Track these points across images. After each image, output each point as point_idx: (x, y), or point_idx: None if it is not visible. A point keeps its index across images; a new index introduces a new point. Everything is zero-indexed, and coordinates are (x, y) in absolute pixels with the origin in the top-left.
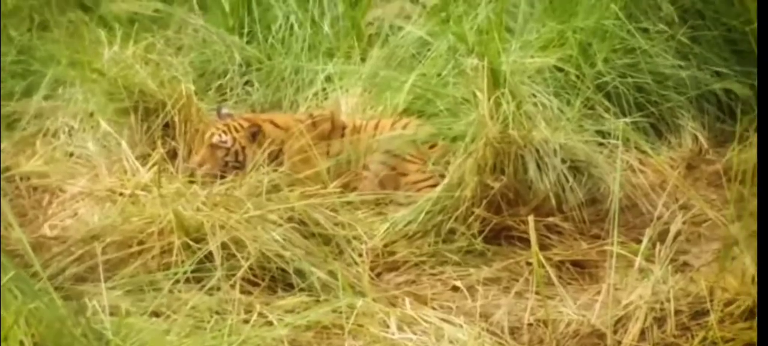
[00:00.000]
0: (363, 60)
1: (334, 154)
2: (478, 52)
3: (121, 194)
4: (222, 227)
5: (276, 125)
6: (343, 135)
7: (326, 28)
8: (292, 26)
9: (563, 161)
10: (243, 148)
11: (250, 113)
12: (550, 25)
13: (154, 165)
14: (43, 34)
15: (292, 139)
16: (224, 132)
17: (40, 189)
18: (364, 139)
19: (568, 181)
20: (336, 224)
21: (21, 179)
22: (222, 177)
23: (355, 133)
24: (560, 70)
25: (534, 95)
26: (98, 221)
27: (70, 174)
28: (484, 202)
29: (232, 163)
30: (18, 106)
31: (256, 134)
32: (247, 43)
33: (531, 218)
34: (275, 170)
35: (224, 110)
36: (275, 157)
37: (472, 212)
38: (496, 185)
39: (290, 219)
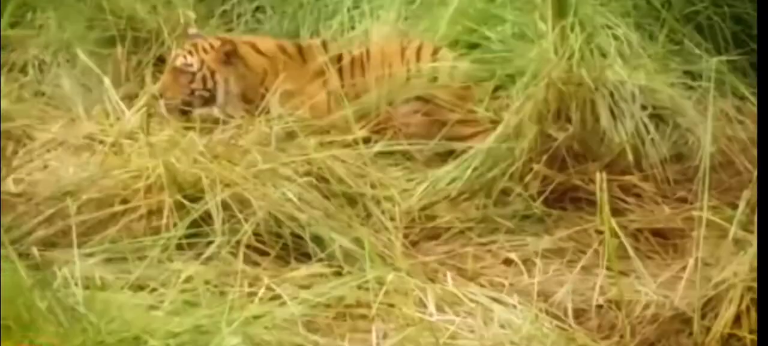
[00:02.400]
0: None
1: (335, 94)
2: None
3: (101, 142)
4: (223, 183)
5: (258, 50)
6: (339, 69)
7: None
8: None
9: (643, 108)
10: (212, 73)
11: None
12: None
13: (142, 107)
14: None
15: (278, 71)
16: (190, 53)
17: (3, 135)
18: (373, 76)
19: (648, 132)
20: (363, 181)
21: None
22: (185, 110)
23: (354, 66)
24: None
25: (608, 26)
26: (73, 175)
27: (40, 118)
28: (546, 156)
29: (200, 92)
30: None
31: (230, 55)
32: None
33: (602, 177)
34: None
35: (192, 30)
36: (254, 92)
37: (531, 169)
38: (561, 136)
39: (307, 174)
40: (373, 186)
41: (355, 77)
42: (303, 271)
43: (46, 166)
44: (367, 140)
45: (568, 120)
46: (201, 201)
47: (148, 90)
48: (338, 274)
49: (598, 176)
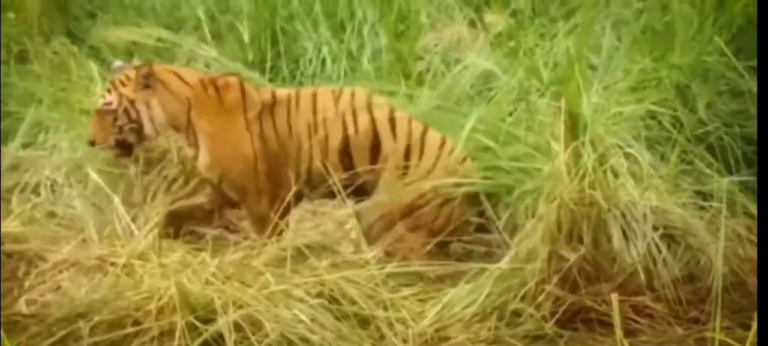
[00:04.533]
0: (411, 101)
1: (273, 138)
2: (554, 92)
3: (113, 264)
4: (236, 304)
5: (182, 79)
6: (272, 112)
7: (366, 63)
8: (324, 60)
9: (655, 228)
10: (132, 102)
11: None
12: (641, 62)
13: (154, 227)
14: (21, 68)
15: (201, 112)
16: (108, 91)
17: (15, 256)
18: (303, 121)
19: (660, 252)
20: (375, 302)
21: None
22: (124, 149)
23: (279, 107)
24: (653, 117)
25: (620, 146)
26: (85, 296)
27: (52, 239)
28: (557, 277)
29: (127, 126)
30: None
31: (148, 77)
32: (270, 80)
33: (615, 297)
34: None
35: (117, 63)
36: (180, 120)
37: (543, 289)
38: (573, 257)
39: (319, 295)
40: (385, 308)
41: (280, 121)
42: None
43: (58, 288)
44: (379, 260)
45: (580, 240)
46: (213, 322)
47: (160, 211)
48: None
49: (613, 296)
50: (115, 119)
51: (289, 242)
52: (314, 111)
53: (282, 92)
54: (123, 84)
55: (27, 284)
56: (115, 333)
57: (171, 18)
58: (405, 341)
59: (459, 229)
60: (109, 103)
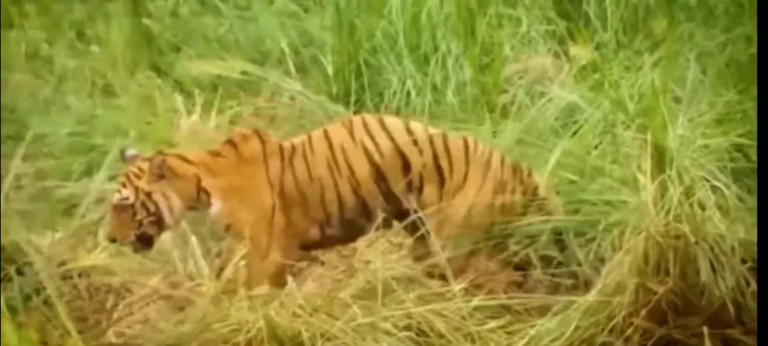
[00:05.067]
0: (495, 134)
1: (293, 188)
2: (639, 125)
3: (200, 296)
4: (324, 337)
5: (185, 159)
6: (291, 162)
7: (450, 95)
8: (408, 93)
9: (743, 261)
10: (149, 194)
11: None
12: (726, 95)
13: (240, 259)
14: (107, 101)
15: (214, 173)
16: (123, 185)
17: (103, 289)
18: (323, 161)
19: (749, 285)
20: (462, 335)
21: (80, 275)
22: (145, 243)
23: (296, 155)
24: (738, 149)
25: (706, 179)
26: (173, 328)
27: (139, 271)
28: (646, 310)
29: (147, 219)
30: (76, 189)
31: (161, 167)
32: (355, 112)
33: (705, 331)
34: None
35: (129, 153)
36: (194, 200)
37: (631, 322)
38: (661, 290)
39: (407, 328)
40: (472, 340)
41: (299, 169)
42: None
43: (146, 320)
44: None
45: (668, 273)
46: None
47: (246, 244)
48: None
49: (703, 330)
50: (134, 214)
51: (378, 274)
52: (331, 148)
53: (296, 140)
54: (137, 177)
55: (115, 315)
56: None
57: (255, 51)
58: None
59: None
60: (126, 199)
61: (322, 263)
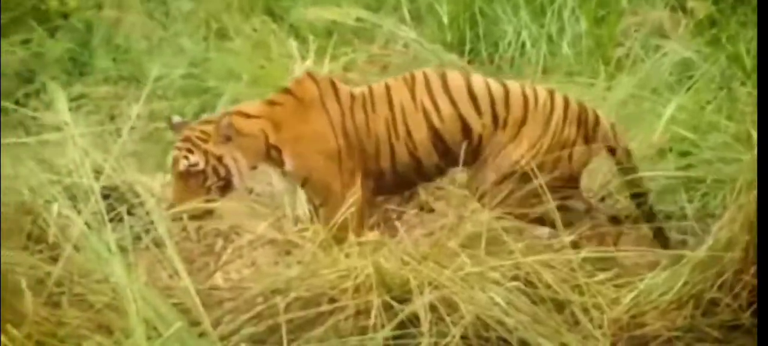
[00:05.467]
0: (609, 87)
1: (354, 135)
2: (755, 80)
3: (310, 242)
4: (431, 285)
5: (247, 115)
6: (351, 109)
7: (565, 47)
8: (523, 44)
9: None
10: (220, 158)
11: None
12: None
13: (350, 206)
14: (221, 44)
15: (280, 125)
16: (189, 151)
17: (211, 232)
18: (381, 117)
19: None
20: (570, 287)
21: (189, 218)
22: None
23: (361, 106)
24: None
25: None
26: (282, 273)
27: (248, 215)
28: (755, 267)
29: (216, 184)
30: None
31: (229, 128)
32: (469, 62)
33: None
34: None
35: (176, 120)
36: (263, 156)
37: (740, 279)
38: None
39: (515, 278)
40: (581, 292)
41: (359, 119)
42: None
43: (254, 263)
44: (575, 245)
45: None
46: (409, 303)
47: (357, 190)
48: None
49: None
50: (205, 179)
51: (485, 223)
52: (391, 107)
53: (357, 91)
54: (203, 140)
55: (223, 259)
56: (311, 310)
57: None
58: (600, 326)
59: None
60: (195, 164)
61: (432, 211)
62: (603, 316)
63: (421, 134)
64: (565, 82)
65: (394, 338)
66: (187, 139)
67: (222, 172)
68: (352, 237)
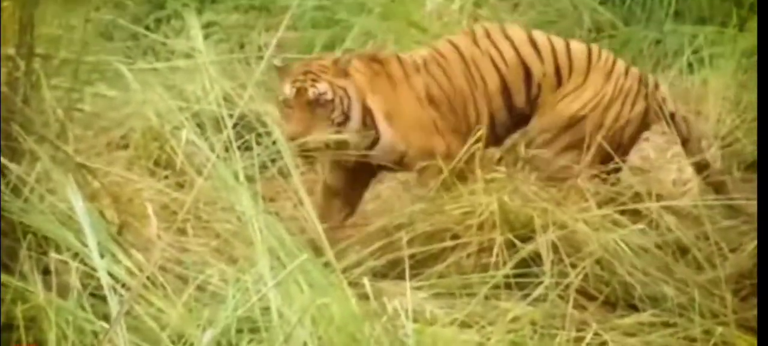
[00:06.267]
0: (741, 29)
1: (441, 97)
2: None
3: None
4: (555, 224)
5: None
6: (429, 73)
7: None
8: None
9: None
10: (344, 89)
11: None
12: None
13: (476, 141)
14: None
15: (374, 83)
16: (314, 80)
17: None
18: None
19: None
20: (693, 232)
21: (315, 148)
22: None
23: (436, 65)
24: None
25: None
26: (406, 207)
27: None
28: None
29: (339, 119)
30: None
31: (348, 62)
32: (601, 2)
33: None
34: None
35: (278, 61)
36: (361, 119)
37: None
38: None
39: (639, 222)
40: (706, 237)
41: (440, 79)
42: (631, 319)
43: (378, 197)
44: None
45: None
46: (532, 241)
47: (482, 127)
48: (666, 325)
49: None
50: (332, 110)
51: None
52: (463, 59)
53: (423, 53)
54: (324, 72)
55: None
56: (434, 245)
57: None
58: (722, 274)
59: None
60: (324, 93)
61: None
62: (725, 263)
63: (493, 84)
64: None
65: (515, 276)
66: (308, 72)
67: (346, 104)
68: (478, 173)
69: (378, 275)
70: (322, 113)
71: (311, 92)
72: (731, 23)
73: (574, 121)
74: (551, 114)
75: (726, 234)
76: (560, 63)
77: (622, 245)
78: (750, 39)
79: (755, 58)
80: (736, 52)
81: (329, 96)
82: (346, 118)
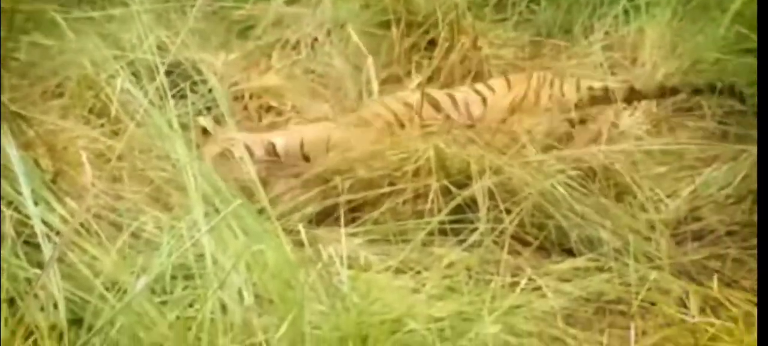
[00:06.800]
0: None
1: None
2: None
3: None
4: (491, 170)
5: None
6: None
7: None
8: None
9: None
10: None
11: None
12: None
13: (417, 88)
14: None
15: None
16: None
17: (273, 110)
18: None
19: None
20: (631, 179)
21: (251, 96)
22: None
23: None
24: None
25: None
26: (342, 154)
27: (311, 94)
28: None
29: None
30: (254, 11)
31: None
32: None
33: None
34: None
35: None
36: None
37: None
38: None
39: (578, 168)
40: (641, 188)
41: None
42: (566, 264)
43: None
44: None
45: None
46: (467, 187)
47: (424, 73)
48: (600, 269)
49: None
50: None
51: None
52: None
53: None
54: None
55: None
56: (372, 192)
57: None
58: (659, 219)
59: None
60: None
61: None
62: (663, 208)
63: None
64: None
65: (451, 222)
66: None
67: None
68: (416, 119)
69: (314, 222)
70: None
71: None
72: None
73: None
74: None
75: (662, 180)
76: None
77: (560, 189)
78: None
79: (692, 4)
80: (672, 3)
81: None
82: None
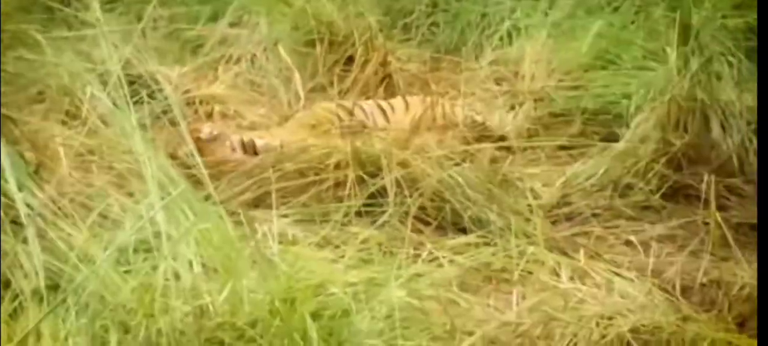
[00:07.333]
0: (550, 6)
1: None
2: (669, 5)
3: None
4: (399, 164)
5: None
6: None
7: None
8: None
9: (748, 123)
10: None
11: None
12: None
13: (340, 93)
14: None
15: None
16: None
17: (219, 114)
18: None
19: (751, 142)
20: (515, 173)
21: (200, 102)
22: None
23: None
24: (752, 30)
25: (723, 54)
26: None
27: (250, 101)
28: (665, 158)
29: None
30: (204, 31)
31: None
32: None
33: (711, 178)
34: None
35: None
36: None
37: (652, 168)
38: (678, 143)
39: (471, 161)
40: (521, 179)
41: None
42: (460, 240)
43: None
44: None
45: (686, 130)
46: (379, 178)
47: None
48: (488, 244)
49: (706, 177)
50: None
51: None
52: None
53: None
54: None
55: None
56: (300, 181)
57: None
58: (538, 204)
59: None
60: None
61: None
62: (541, 194)
63: None
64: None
65: (365, 205)
66: None
67: None
68: (337, 120)
69: (252, 205)
70: None
71: None
72: (544, 0)
73: None
74: None
75: (542, 173)
76: None
77: (457, 178)
78: (559, 13)
79: (562, 27)
80: (547, 23)
81: None
82: None
